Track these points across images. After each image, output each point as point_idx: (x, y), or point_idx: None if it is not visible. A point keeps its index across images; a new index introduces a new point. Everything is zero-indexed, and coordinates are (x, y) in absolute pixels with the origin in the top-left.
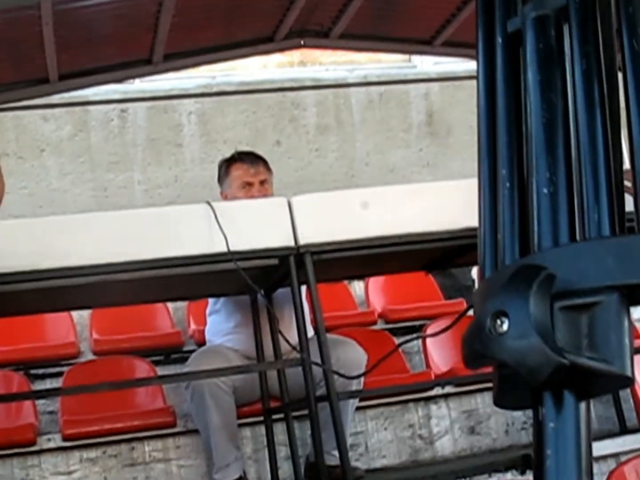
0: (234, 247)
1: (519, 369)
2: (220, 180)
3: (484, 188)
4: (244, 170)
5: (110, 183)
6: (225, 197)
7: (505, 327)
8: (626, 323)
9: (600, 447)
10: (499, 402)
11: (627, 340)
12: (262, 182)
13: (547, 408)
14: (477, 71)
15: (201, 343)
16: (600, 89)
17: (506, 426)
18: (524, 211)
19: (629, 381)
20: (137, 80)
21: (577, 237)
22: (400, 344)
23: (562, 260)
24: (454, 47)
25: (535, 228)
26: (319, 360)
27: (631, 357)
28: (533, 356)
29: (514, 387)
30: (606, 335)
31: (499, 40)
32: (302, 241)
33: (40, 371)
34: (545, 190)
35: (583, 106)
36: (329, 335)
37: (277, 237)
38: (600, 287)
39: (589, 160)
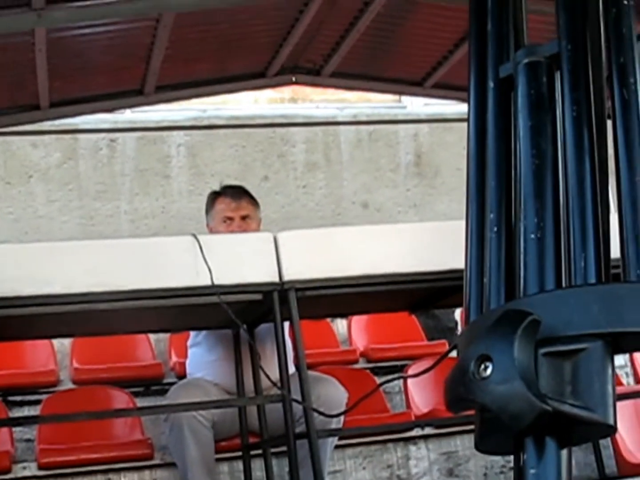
0: (218, 280)
1: (501, 414)
2: (207, 212)
3: (471, 231)
4: (226, 204)
5: (97, 212)
6: (210, 230)
7: (489, 371)
8: (610, 371)
9: None
10: (480, 446)
11: (610, 389)
12: (243, 218)
13: (529, 454)
14: (468, 114)
15: (182, 376)
16: (589, 136)
17: (485, 469)
18: (511, 256)
19: (611, 429)
20: (127, 111)
21: (563, 283)
22: (381, 384)
23: (548, 306)
24: (444, 90)
25: (522, 273)
26: (299, 397)
27: (614, 405)
28: (516, 402)
29: (495, 432)
30: (590, 382)
31: (491, 84)
32: (287, 277)
33: (19, 398)
34: (532, 236)
35: (572, 153)
36: (310, 373)
37: (262, 273)
38: (585, 335)
39: (577, 207)
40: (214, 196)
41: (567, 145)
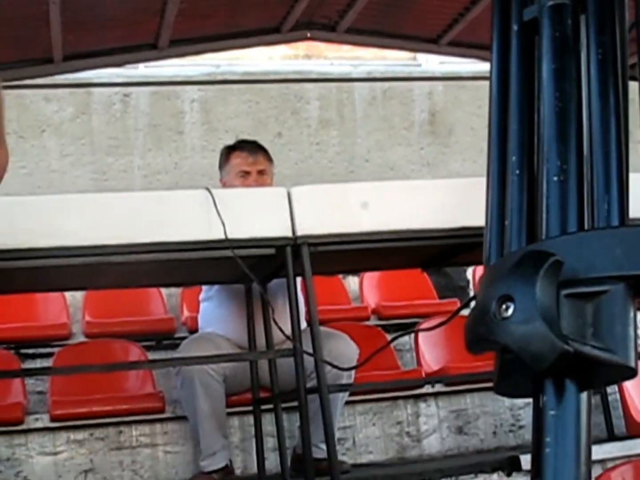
0: (231, 235)
1: (522, 354)
2: (220, 167)
3: (493, 174)
4: (242, 158)
5: (109, 167)
6: (224, 184)
7: (510, 311)
8: (632, 314)
9: None
10: (499, 389)
11: (631, 331)
12: (260, 172)
13: (549, 396)
14: (491, 58)
15: (193, 330)
16: (614, 80)
17: (494, 427)
18: (533, 199)
19: (632, 372)
20: (141, 66)
21: (586, 227)
22: (392, 339)
23: (570, 248)
24: (459, 47)
25: (544, 216)
26: (311, 353)
27: (635, 348)
28: (537, 342)
29: (515, 374)
30: (611, 325)
31: (515, 27)
32: (300, 232)
33: (31, 351)
34: (555, 178)
35: (597, 96)
36: (322, 329)
37: (275, 227)
38: (607, 277)
39: (601, 150)
40: (229, 150)
41: (592, 88)
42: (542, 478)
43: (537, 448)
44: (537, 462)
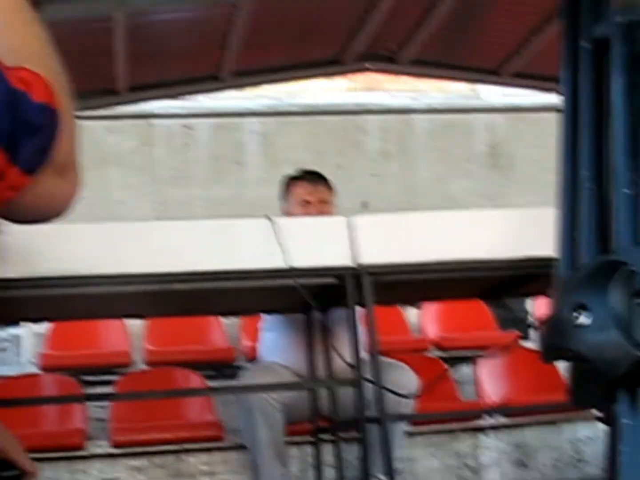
0: (292, 263)
1: (596, 362)
2: (282, 197)
3: (564, 189)
4: (304, 188)
5: (170, 198)
6: (285, 214)
7: (584, 320)
8: None
9: None
10: (574, 400)
11: None
12: (321, 201)
13: (623, 404)
14: (561, 75)
15: (252, 359)
16: None
17: (555, 461)
18: (603, 211)
19: None
20: (202, 97)
21: None
22: (450, 367)
23: None
24: (521, 79)
25: (616, 227)
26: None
27: None
28: (611, 350)
29: (589, 384)
30: None
31: (585, 45)
32: (361, 261)
33: (92, 378)
34: (626, 191)
35: None
36: (382, 359)
37: (336, 256)
38: None
39: None
40: (291, 180)
41: None
42: None
43: (611, 457)
44: (611, 471)
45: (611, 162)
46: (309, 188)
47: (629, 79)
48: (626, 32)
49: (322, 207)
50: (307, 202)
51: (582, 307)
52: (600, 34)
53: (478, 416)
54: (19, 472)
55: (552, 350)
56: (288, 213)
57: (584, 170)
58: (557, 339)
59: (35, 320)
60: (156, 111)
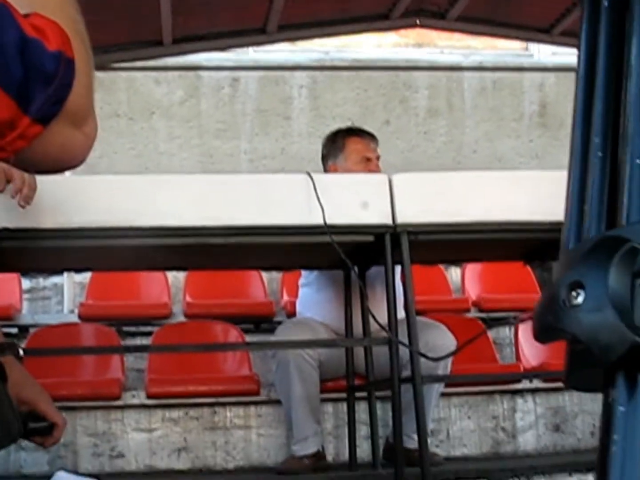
0: (331, 220)
1: (590, 344)
2: (331, 152)
3: (576, 157)
4: (364, 144)
5: (217, 150)
6: (334, 170)
7: (580, 299)
8: None
9: None
10: (569, 382)
11: None
12: (377, 159)
13: (619, 390)
14: (580, 36)
15: (292, 315)
16: None
17: (592, 427)
18: (615, 183)
19: None
20: (250, 50)
21: None
22: (487, 329)
23: None
24: (572, 38)
25: (625, 200)
26: (407, 342)
27: None
28: (606, 332)
29: (585, 366)
30: None
31: (605, 3)
32: (400, 220)
33: (132, 329)
34: (638, 161)
35: None
36: (420, 319)
37: (375, 214)
38: None
39: None
40: (346, 135)
41: None
42: (607, 477)
43: (603, 446)
44: (602, 460)
45: (625, 130)
46: (370, 144)
47: None
48: None
49: (378, 164)
50: (368, 160)
51: (578, 285)
52: None
53: (515, 379)
54: (48, 423)
55: (545, 330)
56: (342, 170)
57: (595, 137)
58: (551, 318)
59: (76, 270)
60: (204, 63)
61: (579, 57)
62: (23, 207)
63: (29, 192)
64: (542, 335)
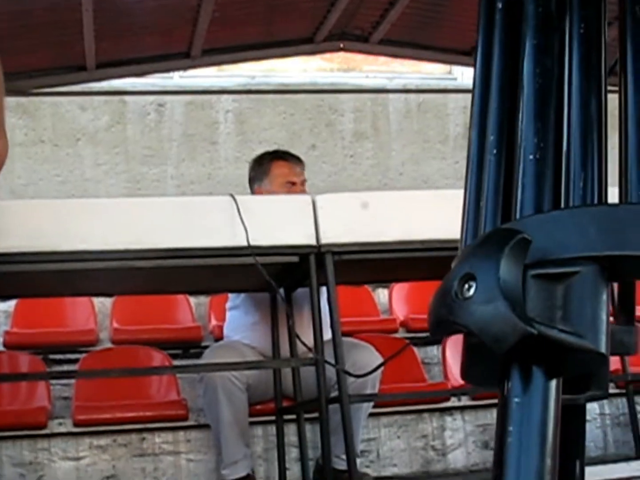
0: (255, 241)
1: (482, 336)
2: (257, 176)
3: (472, 155)
4: (288, 168)
5: (143, 176)
6: (260, 193)
7: (472, 291)
8: (604, 297)
9: (616, 470)
10: (466, 377)
11: (603, 315)
12: (302, 183)
13: (514, 382)
14: (476, 39)
15: (220, 339)
16: (597, 54)
17: None
18: (510, 179)
19: (603, 358)
20: (176, 75)
21: (562, 206)
22: (410, 344)
23: (542, 227)
24: None
25: (518, 195)
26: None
27: (607, 333)
28: (498, 323)
29: (481, 360)
30: (581, 307)
31: (499, 5)
32: (324, 240)
33: (58, 356)
34: (531, 157)
35: (578, 70)
36: (346, 339)
37: (299, 235)
38: (580, 257)
39: (580, 128)
40: (271, 159)
41: (573, 63)
42: (504, 469)
43: (499, 438)
44: (499, 453)
45: (518, 128)
46: (295, 168)
47: (539, 40)
48: None
49: (303, 188)
50: (293, 184)
51: (470, 278)
52: None
53: (444, 398)
54: None
55: (438, 323)
56: (270, 193)
57: (491, 135)
58: (443, 311)
59: (1, 297)
60: (129, 88)
61: (475, 58)
62: None
63: None
64: (436, 328)
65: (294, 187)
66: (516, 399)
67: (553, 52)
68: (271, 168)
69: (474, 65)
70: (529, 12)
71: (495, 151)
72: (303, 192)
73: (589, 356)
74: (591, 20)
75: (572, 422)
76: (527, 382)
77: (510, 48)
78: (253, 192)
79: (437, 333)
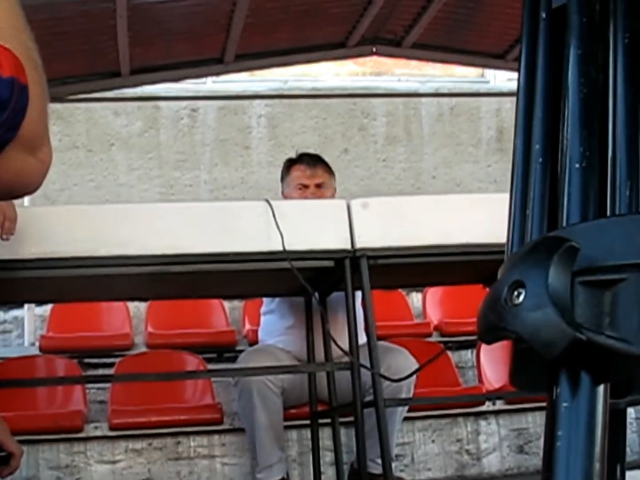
0: (290, 246)
1: (532, 342)
2: (282, 180)
3: (518, 164)
4: (301, 171)
5: (176, 181)
6: (284, 197)
7: (521, 298)
8: None
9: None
10: (515, 382)
11: None
12: (318, 185)
13: (562, 387)
14: (520, 48)
15: (255, 343)
16: None
17: None
18: (555, 187)
19: None
20: (209, 81)
21: (608, 214)
22: (452, 352)
23: (589, 235)
24: None
25: (565, 203)
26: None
27: None
28: (547, 329)
29: (529, 365)
30: (628, 314)
31: (543, 15)
32: (359, 245)
33: (94, 360)
34: (577, 165)
35: (623, 80)
36: (381, 343)
37: (334, 239)
38: (626, 265)
39: (625, 136)
40: (290, 163)
41: (618, 72)
42: (553, 473)
43: (548, 442)
44: (548, 456)
45: (564, 136)
46: (307, 172)
47: (584, 50)
48: (582, 1)
49: (318, 191)
50: (304, 186)
51: (519, 285)
52: (559, 4)
53: (478, 402)
54: (5, 453)
55: (488, 330)
56: (287, 196)
57: (536, 144)
58: (493, 317)
59: (37, 302)
60: (162, 94)
61: (519, 67)
62: (7, 239)
63: (10, 225)
64: (485, 335)
65: (306, 190)
66: (565, 404)
67: (597, 61)
68: (289, 172)
69: (518, 74)
70: (573, 22)
71: (541, 160)
72: (318, 194)
73: (635, 362)
74: (635, 30)
75: (612, 426)
76: (576, 387)
77: (554, 57)
78: (282, 195)
79: (487, 339)
